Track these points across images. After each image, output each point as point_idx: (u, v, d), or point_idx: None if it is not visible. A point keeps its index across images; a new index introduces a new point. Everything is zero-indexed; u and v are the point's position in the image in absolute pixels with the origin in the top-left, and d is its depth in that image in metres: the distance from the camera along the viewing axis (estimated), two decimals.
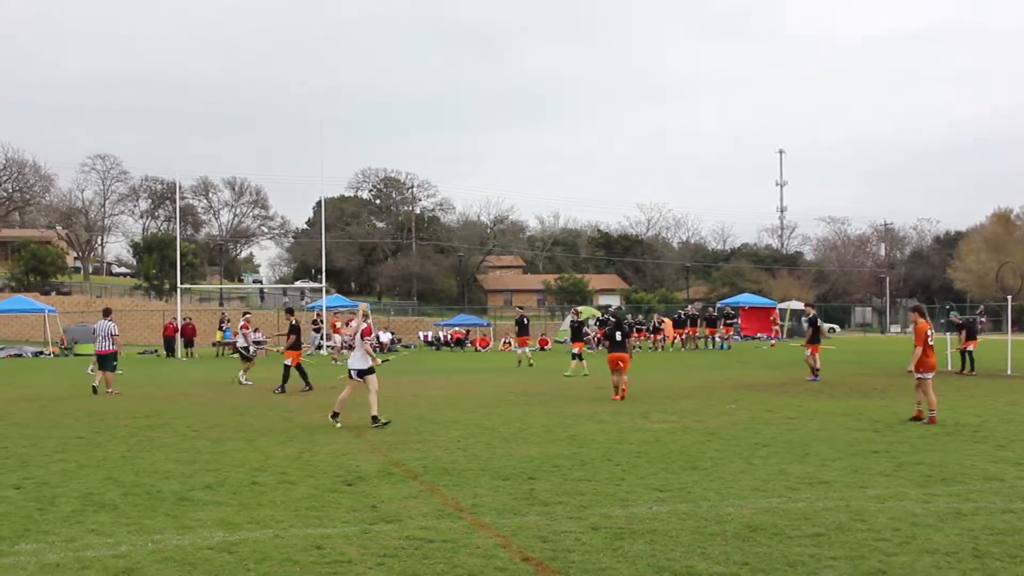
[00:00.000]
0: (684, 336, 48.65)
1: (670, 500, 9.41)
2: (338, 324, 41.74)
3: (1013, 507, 8.95)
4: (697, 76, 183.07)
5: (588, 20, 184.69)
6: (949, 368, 28.71)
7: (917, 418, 15.83)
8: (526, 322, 34.73)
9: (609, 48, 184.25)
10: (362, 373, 15.85)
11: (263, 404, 19.84)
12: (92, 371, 26.62)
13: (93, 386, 23.27)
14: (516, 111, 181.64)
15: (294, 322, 24.11)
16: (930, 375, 15.90)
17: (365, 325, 15.86)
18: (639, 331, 48.37)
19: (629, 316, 52.84)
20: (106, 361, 23.61)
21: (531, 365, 32.66)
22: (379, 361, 16.42)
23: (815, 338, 25.81)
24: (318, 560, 7.30)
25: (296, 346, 23.84)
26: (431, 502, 9.44)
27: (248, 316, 29.21)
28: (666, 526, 8.27)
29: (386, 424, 15.71)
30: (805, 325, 27.77)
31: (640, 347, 47.11)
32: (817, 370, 25.23)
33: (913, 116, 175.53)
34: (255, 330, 30.86)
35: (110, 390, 23.17)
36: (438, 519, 8.64)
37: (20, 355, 47.35)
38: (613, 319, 25.27)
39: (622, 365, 20.75)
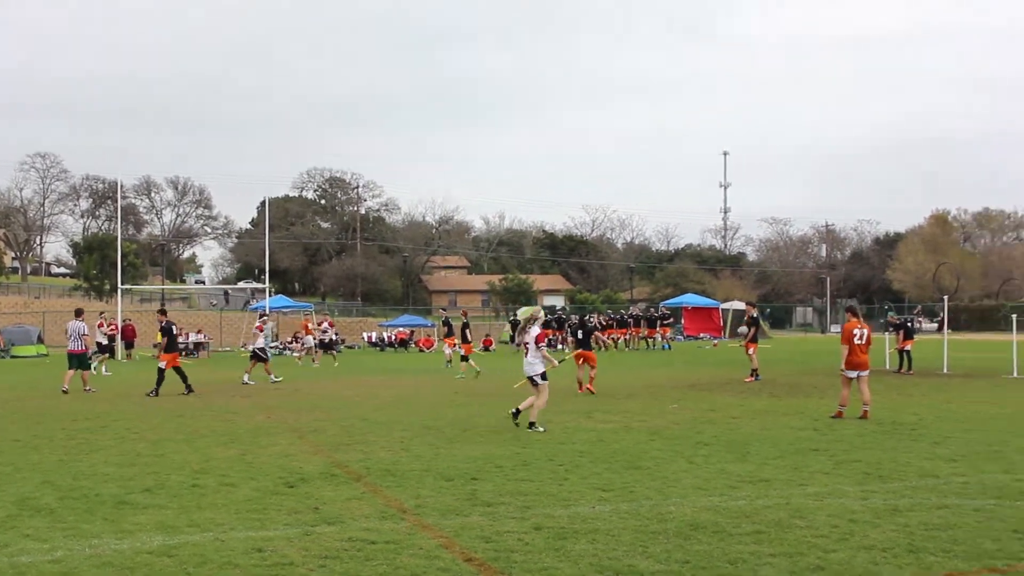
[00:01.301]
0: (627, 336, 48.87)
1: (612, 499, 9.45)
2: (310, 325, 41.53)
3: (947, 503, 9.11)
4: (641, 78, 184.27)
5: (531, 21, 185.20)
6: (887, 367, 29.15)
7: (839, 415, 16.15)
8: (452, 323, 34.67)
9: (556, 49, 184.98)
10: (534, 379, 15.30)
11: (204, 406, 19.65)
12: (95, 370, 28.65)
13: (63, 388, 23.47)
14: (463, 112, 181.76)
15: (166, 323, 22.98)
16: (853, 373, 16.41)
17: (540, 330, 15.52)
18: (606, 328, 48.53)
19: (596, 316, 53.06)
20: (80, 360, 24.30)
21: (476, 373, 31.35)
22: (556, 363, 16.05)
23: (755, 337, 26.09)
24: (259, 563, 7.24)
25: (171, 348, 22.89)
26: (374, 503, 9.40)
27: (265, 317, 29.01)
28: (608, 525, 8.31)
29: (543, 431, 14.79)
30: (746, 326, 28.03)
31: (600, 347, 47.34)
32: (755, 370, 25.47)
33: (854, 118, 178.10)
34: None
35: (87, 388, 23.84)
36: (381, 520, 8.61)
37: None
38: (555, 318, 25.83)
39: (588, 362, 21.71)
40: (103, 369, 30.72)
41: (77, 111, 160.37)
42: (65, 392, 23.15)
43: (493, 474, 11.00)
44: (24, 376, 30.11)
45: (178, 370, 22.73)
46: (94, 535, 8.20)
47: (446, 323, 34.75)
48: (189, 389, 22.50)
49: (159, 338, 23.27)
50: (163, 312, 24.22)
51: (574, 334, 22.87)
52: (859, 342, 16.54)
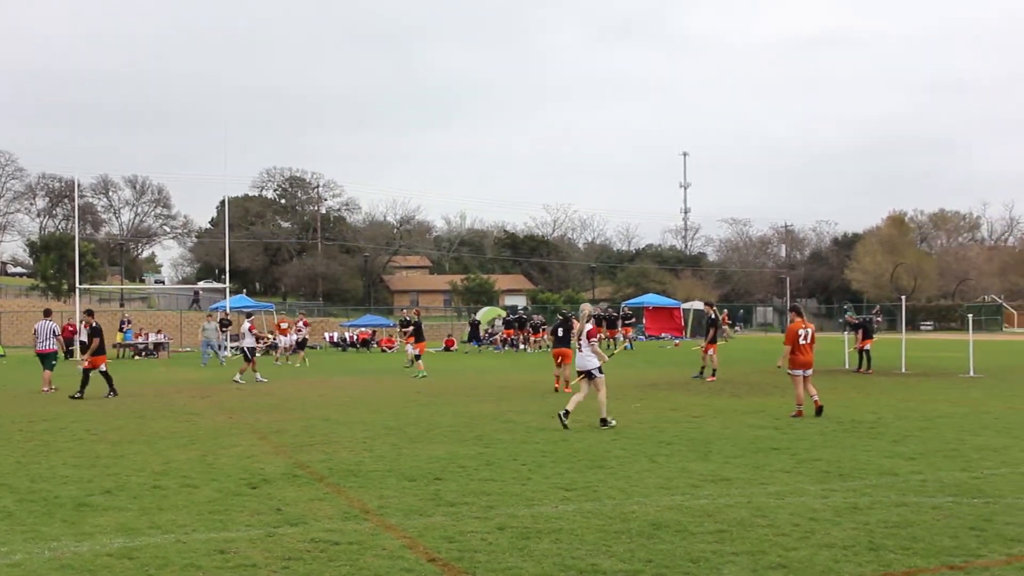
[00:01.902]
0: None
1: (575, 499, 9.48)
2: (283, 325, 41.30)
3: (906, 501, 9.22)
4: (600, 77, 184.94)
5: (492, 21, 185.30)
6: (847, 366, 29.41)
7: (798, 415, 16.33)
8: (411, 321, 34.72)
9: (514, 49, 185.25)
10: (591, 373, 15.56)
11: (165, 407, 19.49)
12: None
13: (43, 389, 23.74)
14: (422, 111, 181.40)
15: (95, 324, 22.43)
16: (800, 372, 16.66)
17: (591, 326, 15.75)
18: (544, 330, 48.61)
19: (536, 316, 53.18)
20: (46, 360, 24.37)
21: (423, 376, 31.04)
22: (606, 358, 16.33)
23: (714, 337, 26.28)
24: (221, 565, 7.20)
25: (99, 351, 22.13)
26: (337, 504, 9.37)
27: (254, 318, 28.84)
28: (572, 525, 8.33)
29: (613, 426, 15.24)
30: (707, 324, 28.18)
31: (543, 348, 47.40)
32: (713, 370, 25.64)
33: (810, 119, 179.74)
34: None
35: (47, 388, 23.73)
36: (344, 521, 8.59)
37: None
38: (516, 318, 26.14)
39: (565, 359, 21.63)
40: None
41: (31, 107, 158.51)
42: (54, 390, 23.55)
43: (456, 474, 10.99)
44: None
45: (104, 374, 21.91)
46: (53, 538, 8.12)
47: (406, 323, 34.79)
48: (113, 392, 21.77)
49: (90, 341, 22.52)
50: (90, 314, 23.60)
51: (554, 332, 23.02)
52: (804, 342, 16.79)
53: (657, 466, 11.43)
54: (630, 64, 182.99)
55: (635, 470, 11.14)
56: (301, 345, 38.45)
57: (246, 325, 27.71)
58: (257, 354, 27.38)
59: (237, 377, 26.49)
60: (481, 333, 53.10)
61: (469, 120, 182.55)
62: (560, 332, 22.26)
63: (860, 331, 28.85)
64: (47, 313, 26.10)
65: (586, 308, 16.80)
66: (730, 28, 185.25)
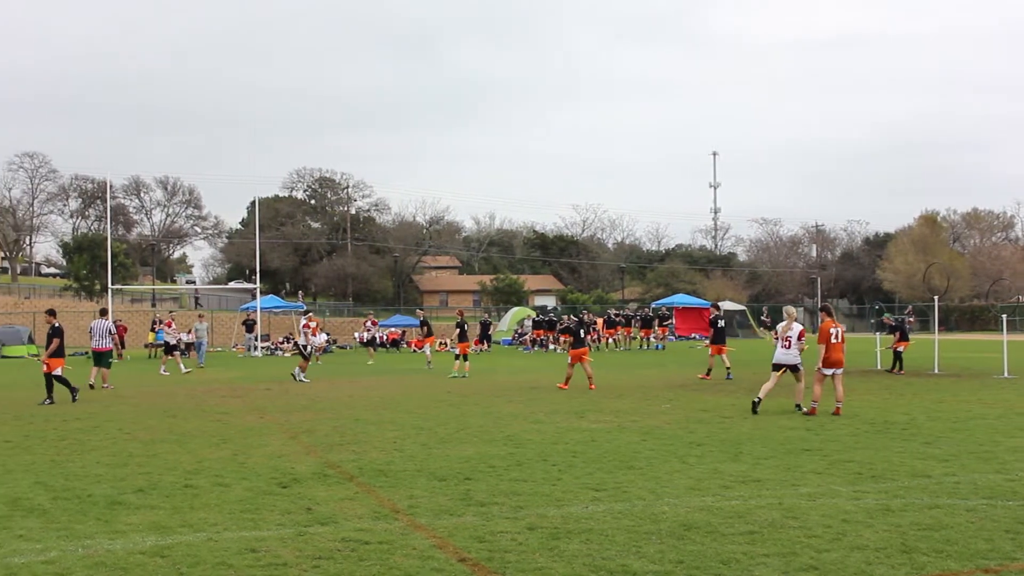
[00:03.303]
0: (617, 336, 48.82)
1: (605, 499, 9.46)
2: (312, 324, 41.41)
3: (939, 503, 9.13)
4: (629, 77, 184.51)
5: (522, 21, 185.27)
6: (879, 367, 29.22)
7: (811, 412, 16.68)
8: (431, 323, 35.09)
9: (542, 49, 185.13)
10: (796, 367, 17.38)
11: (196, 407, 19.62)
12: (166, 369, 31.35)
13: (90, 383, 24.23)
14: (452, 111, 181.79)
15: (56, 325, 21.34)
16: (830, 371, 17.02)
17: (800, 327, 17.55)
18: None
19: (565, 316, 53.14)
20: (102, 358, 25.11)
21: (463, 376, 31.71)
22: (804, 347, 17.82)
23: (719, 339, 26.54)
24: (252, 563, 7.23)
25: (58, 353, 20.97)
26: (367, 504, 9.39)
27: (311, 314, 29.01)
28: (601, 525, 8.31)
29: (806, 413, 16.68)
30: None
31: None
32: (708, 369, 26.36)
33: (842, 118, 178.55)
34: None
35: (106, 385, 24.75)
36: (374, 521, 8.61)
37: None
38: (552, 318, 26.62)
39: (585, 359, 23.09)
40: (182, 367, 31.85)
41: (66, 110, 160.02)
42: (91, 387, 24.07)
43: (486, 474, 11.00)
44: (15, 376, 30.00)
45: (60, 378, 20.78)
46: (87, 535, 8.18)
47: (424, 323, 34.90)
48: (57, 397, 20.80)
49: (49, 342, 21.38)
50: (52, 314, 22.10)
51: (575, 333, 23.90)
52: (835, 341, 17.12)
53: (688, 467, 11.39)
54: (658, 63, 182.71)
55: (665, 471, 11.10)
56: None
57: (302, 323, 27.81)
58: (310, 352, 27.32)
59: (301, 376, 26.57)
60: (490, 332, 52.86)
61: (498, 120, 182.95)
62: (582, 333, 23.76)
63: (897, 332, 28.61)
64: (103, 312, 26.87)
65: (792, 310, 18.11)
66: (758, 26, 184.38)
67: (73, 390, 21.01)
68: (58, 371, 20.85)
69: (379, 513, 8.93)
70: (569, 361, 23.31)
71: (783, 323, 17.87)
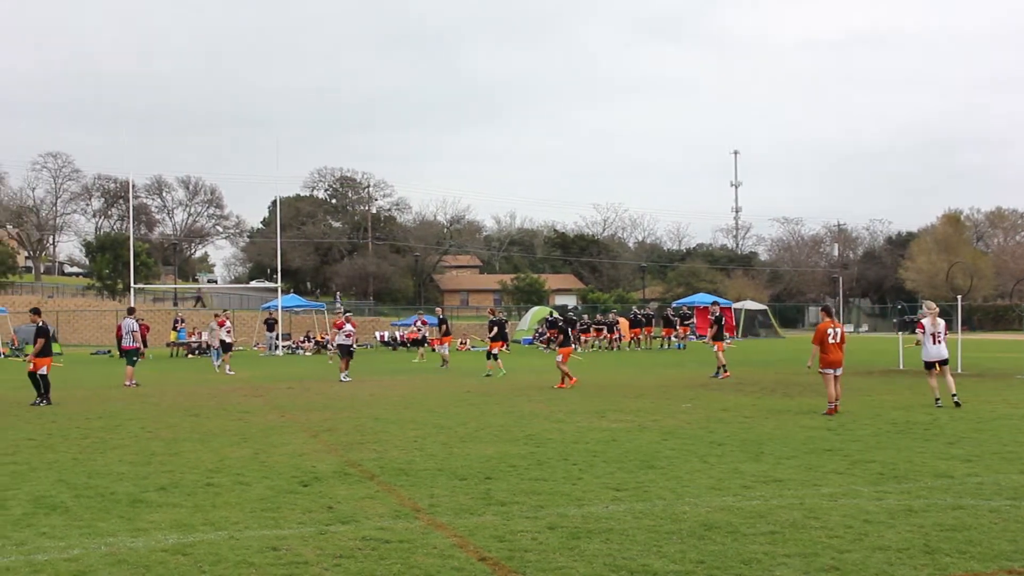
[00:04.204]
0: (639, 336, 48.69)
1: (626, 499, 9.45)
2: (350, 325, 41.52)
3: (962, 503, 9.08)
4: (649, 76, 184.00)
5: (543, 21, 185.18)
6: (901, 367, 29.05)
7: (830, 413, 16.68)
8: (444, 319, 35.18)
9: (563, 48, 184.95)
10: (946, 360, 18.02)
11: (218, 406, 19.70)
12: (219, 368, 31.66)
13: (134, 383, 24.99)
14: (472, 111, 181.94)
15: (41, 324, 20.86)
16: (830, 371, 17.06)
17: (943, 322, 18.15)
18: (597, 330, 48.52)
19: (585, 316, 53.24)
20: (129, 356, 25.69)
21: (443, 365, 33.31)
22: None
23: (719, 335, 27.04)
24: (274, 561, 7.25)
25: (45, 352, 20.57)
26: (387, 502, 9.41)
27: (349, 314, 29.04)
28: (622, 525, 8.30)
29: (958, 405, 17.34)
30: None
31: (594, 346, 47.31)
32: (721, 367, 26.51)
33: (865, 117, 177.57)
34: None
35: (130, 383, 24.94)
36: (394, 519, 8.62)
37: None
38: (562, 319, 26.93)
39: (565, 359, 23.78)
40: (226, 368, 31.78)
41: (87, 110, 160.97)
42: (136, 385, 24.85)
43: (507, 473, 11.00)
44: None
45: (42, 376, 20.34)
46: (109, 533, 8.23)
47: (443, 322, 34.93)
48: (45, 400, 20.25)
49: (35, 342, 20.89)
50: (37, 312, 21.42)
51: (564, 332, 24.77)
52: (833, 341, 17.25)
53: (708, 467, 11.36)
54: (679, 62, 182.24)
55: (686, 471, 11.08)
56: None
57: (340, 321, 27.79)
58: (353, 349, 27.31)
59: (341, 376, 26.59)
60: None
61: (519, 119, 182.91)
62: (569, 332, 24.67)
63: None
64: (131, 311, 27.21)
65: (933, 305, 18.55)
66: (777, 25, 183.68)
67: (42, 396, 20.24)
68: (43, 370, 20.31)
69: (400, 512, 8.95)
70: (560, 360, 23.63)
71: (926, 319, 18.11)
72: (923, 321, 18.12)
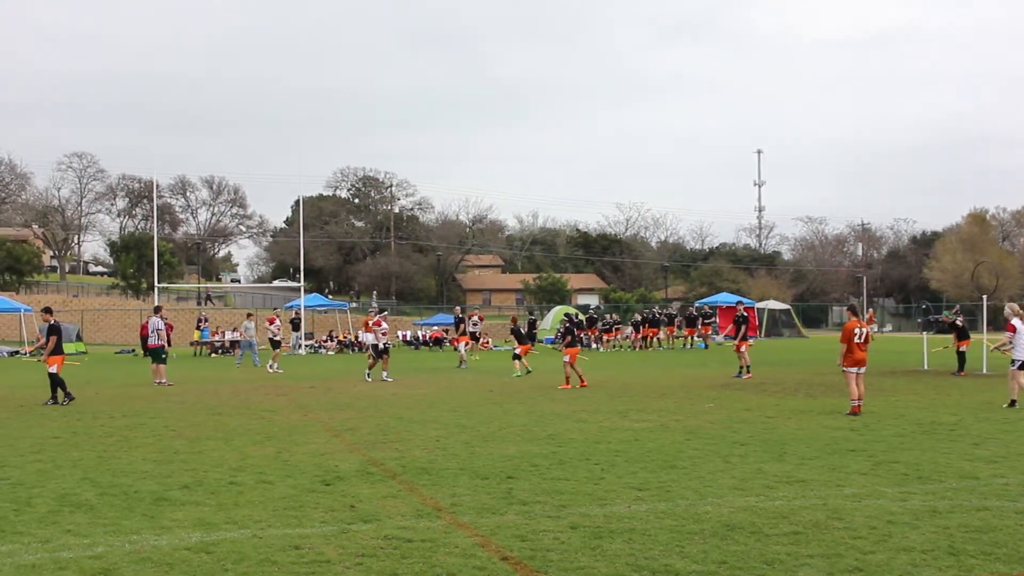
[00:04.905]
0: (658, 335, 48.51)
1: (648, 499, 9.42)
2: (370, 322, 41.59)
3: (988, 505, 9.02)
4: (671, 75, 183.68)
5: (565, 20, 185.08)
6: (926, 367, 28.89)
7: (854, 412, 16.61)
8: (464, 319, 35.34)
9: (587, 48, 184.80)
10: None
11: (241, 404, 19.77)
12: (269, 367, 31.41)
13: (163, 382, 25.20)
14: (495, 110, 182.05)
15: (53, 322, 20.83)
16: (854, 370, 16.95)
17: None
18: (617, 330, 48.45)
19: (607, 315, 53.20)
20: (156, 354, 25.81)
21: (461, 365, 33.47)
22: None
23: (744, 335, 27.17)
24: (296, 560, 7.27)
25: (58, 350, 20.54)
26: (410, 501, 9.42)
27: (385, 313, 29.01)
28: (644, 525, 8.29)
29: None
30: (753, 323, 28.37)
31: (615, 346, 47.21)
32: (745, 367, 26.65)
33: (889, 116, 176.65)
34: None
35: (163, 381, 25.19)
36: (416, 519, 8.63)
37: None
38: (568, 320, 26.84)
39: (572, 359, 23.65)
40: (275, 366, 31.73)
41: (112, 110, 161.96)
42: (169, 384, 24.99)
43: (529, 473, 11.00)
44: (63, 374, 30.28)
45: (54, 376, 20.30)
46: (133, 531, 8.28)
47: (460, 321, 34.95)
48: (54, 400, 20.16)
49: (47, 340, 20.74)
50: (48, 311, 21.43)
51: (571, 333, 24.70)
52: (859, 340, 17.22)
53: (731, 467, 11.32)
54: (700, 62, 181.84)
55: (709, 470, 11.05)
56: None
57: (375, 321, 27.63)
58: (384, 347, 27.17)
59: (385, 376, 26.50)
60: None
61: (541, 119, 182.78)
62: (576, 332, 24.81)
63: (956, 332, 28.12)
64: (157, 310, 27.51)
65: (1016, 307, 18.57)
66: (800, 24, 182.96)
67: (54, 396, 20.19)
68: (53, 368, 20.23)
69: (422, 511, 8.96)
70: (568, 360, 23.47)
71: (1015, 320, 18.16)
72: (1013, 322, 18.12)
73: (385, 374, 26.53)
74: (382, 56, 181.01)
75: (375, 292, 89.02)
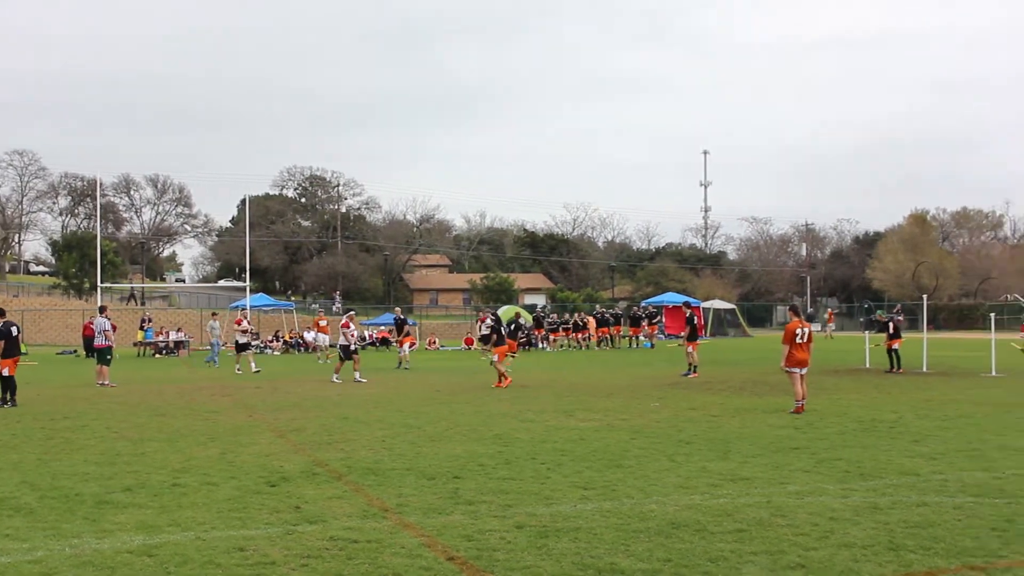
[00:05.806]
0: (608, 335, 48.73)
1: (594, 498, 9.47)
2: (322, 323, 41.23)
3: (927, 500, 9.17)
4: (618, 77, 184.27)
5: (512, 22, 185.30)
6: (867, 366, 29.28)
7: (797, 411, 16.78)
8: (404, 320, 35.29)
9: (531, 49, 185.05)
10: None
11: (185, 405, 19.57)
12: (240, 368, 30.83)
13: (106, 383, 24.80)
14: (443, 111, 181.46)
15: (3, 325, 19.91)
16: (797, 370, 17.11)
17: None
18: (565, 329, 48.57)
19: (554, 315, 53.37)
20: (101, 354, 25.47)
21: (406, 367, 32.97)
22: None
23: (692, 335, 27.27)
24: (240, 562, 7.22)
25: (10, 353, 19.84)
26: (356, 502, 9.39)
27: (352, 313, 28.62)
28: (590, 524, 8.32)
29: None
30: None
31: (563, 345, 47.34)
32: (692, 367, 26.85)
33: (833, 118, 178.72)
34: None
35: (105, 383, 24.75)
36: (363, 519, 8.61)
37: None
38: (493, 320, 26.67)
39: (502, 357, 24.01)
40: (252, 365, 31.45)
41: (54, 108, 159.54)
42: (112, 385, 24.62)
43: (475, 472, 11.00)
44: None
45: (7, 380, 19.79)
46: (74, 535, 8.17)
47: (400, 322, 34.81)
48: (10, 402, 19.67)
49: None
50: (1, 313, 20.39)
51: (496, 332, 24.90)
52: (801, 340, 17.32)
53: (676, 465, 11.41)
54: (647, 63, 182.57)
55: (654, 469, 11.12)
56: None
57: (343, 323, 27.27)
58: (355, 349, 26.84)
59: (358, 376, 26.04)
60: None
61: (489, 120, 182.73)
62: (502, 331, 25.09)
63: (887, 331, 28.53)
64: (102, 310, 27.26)
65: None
66: (747, 27, 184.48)
67: (5, 398, 19.71)
68: (5, 371, 19.72)
69: (368, 512, 8.93)
70: (496, 359, 23.71)
71: None
72: None
73: (357, 375, 26.28)
74: (332, 56, 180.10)
75: (336, 293, 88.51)
